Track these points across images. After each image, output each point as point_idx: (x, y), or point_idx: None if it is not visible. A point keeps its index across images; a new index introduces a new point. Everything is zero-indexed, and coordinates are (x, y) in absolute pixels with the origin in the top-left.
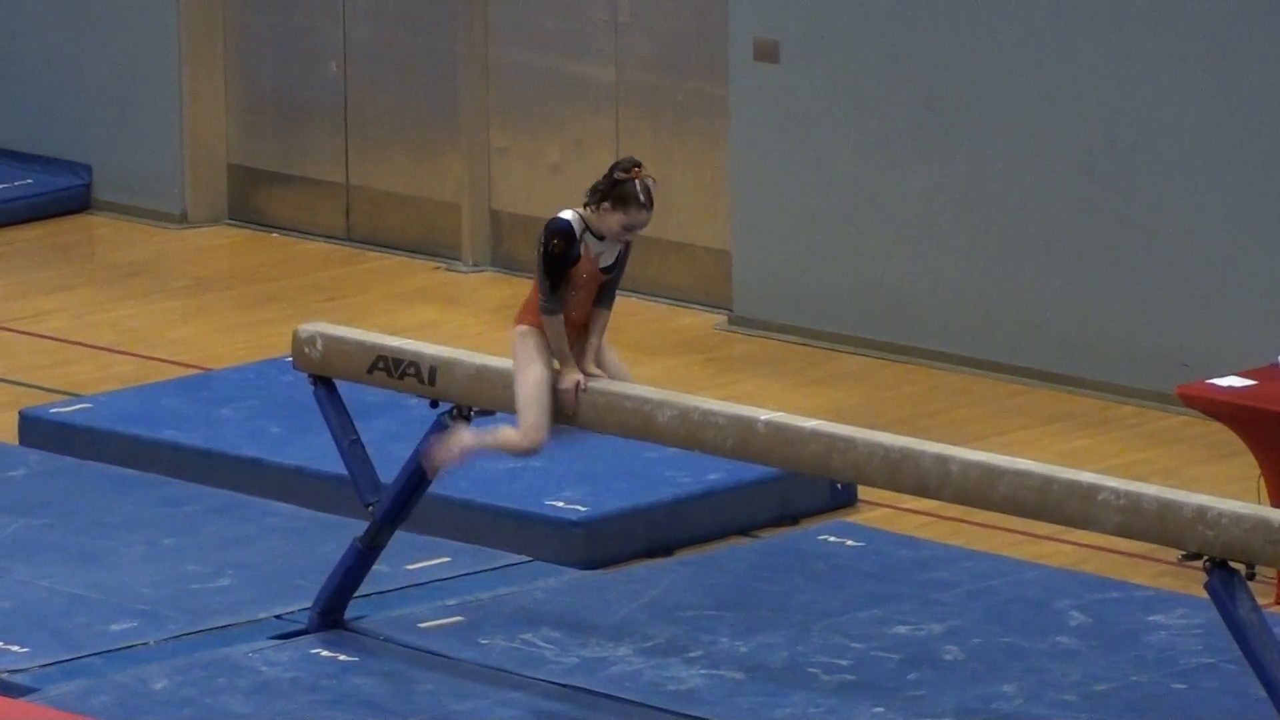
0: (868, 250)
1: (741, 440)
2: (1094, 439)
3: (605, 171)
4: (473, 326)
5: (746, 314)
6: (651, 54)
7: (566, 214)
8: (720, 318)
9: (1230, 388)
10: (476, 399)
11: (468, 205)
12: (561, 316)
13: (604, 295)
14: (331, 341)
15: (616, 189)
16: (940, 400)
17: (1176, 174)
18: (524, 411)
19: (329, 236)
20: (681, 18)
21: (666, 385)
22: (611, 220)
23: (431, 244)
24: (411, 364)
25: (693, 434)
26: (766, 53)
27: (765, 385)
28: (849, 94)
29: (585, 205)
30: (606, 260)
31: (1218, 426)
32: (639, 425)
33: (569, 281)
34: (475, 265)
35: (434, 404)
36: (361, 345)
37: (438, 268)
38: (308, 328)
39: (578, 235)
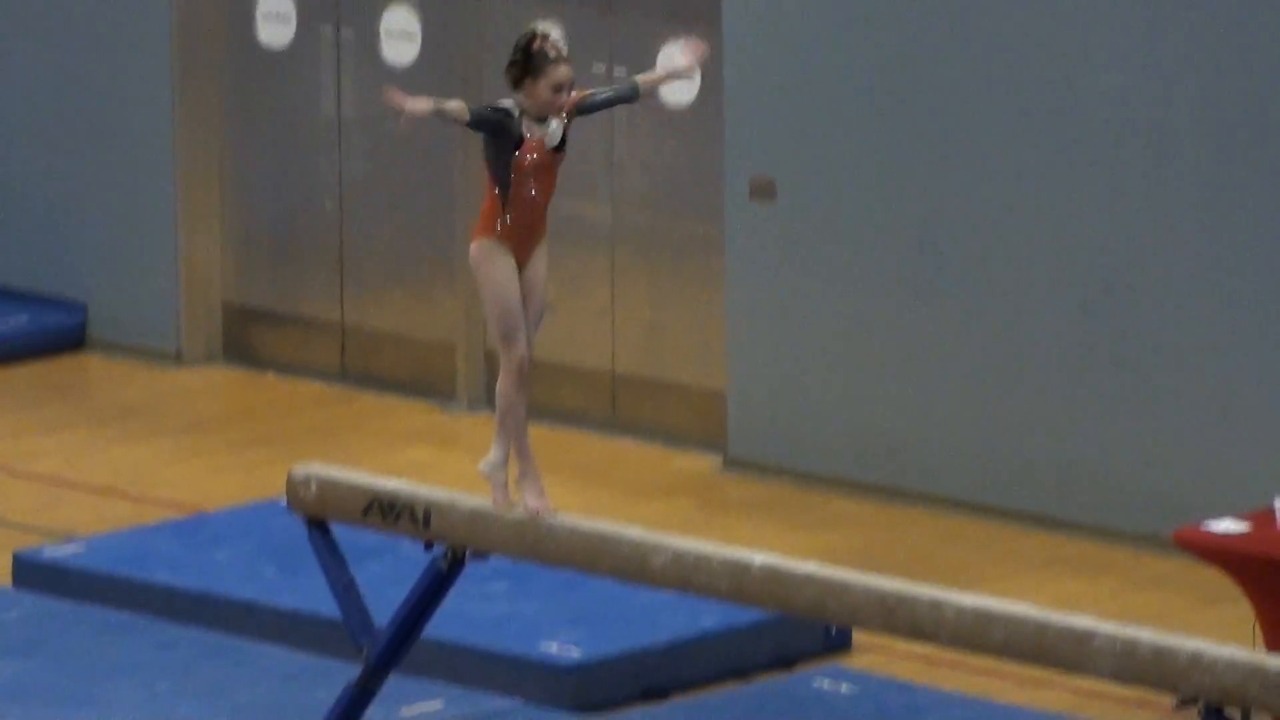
0: (864, 392)
1: (736, 583)
2: (1089, 583)
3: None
4: (468, 468)
5: (742, 456)
6: (647, 193)
7: (503, 100)
8: (715, 460)
9: (1226, 532)
10: (473, 541)
11: (463, 346)
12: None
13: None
14: (326, 483)
15: (528, 60)
16: (935, 544)
17: (1173, 316)
18: (496, 327)
19: (324, 376)
20: (677, 157)
21: (661, 528)
22: (538, 90)
23: (427, 385)
24: (406, 506)
25: (687, 577)
26: (762, 192)
27: (760, 528)
28: (845, 234)
29: (515, 93)
30: (553, 139)
31: (1213, 571)
32: (633, 568)
33: (521, 169)
34: (470, 406)
35: (429, 546)
36: (356, 487)
37: (433, 409)
38: (302, 469)
39: (514, 114)
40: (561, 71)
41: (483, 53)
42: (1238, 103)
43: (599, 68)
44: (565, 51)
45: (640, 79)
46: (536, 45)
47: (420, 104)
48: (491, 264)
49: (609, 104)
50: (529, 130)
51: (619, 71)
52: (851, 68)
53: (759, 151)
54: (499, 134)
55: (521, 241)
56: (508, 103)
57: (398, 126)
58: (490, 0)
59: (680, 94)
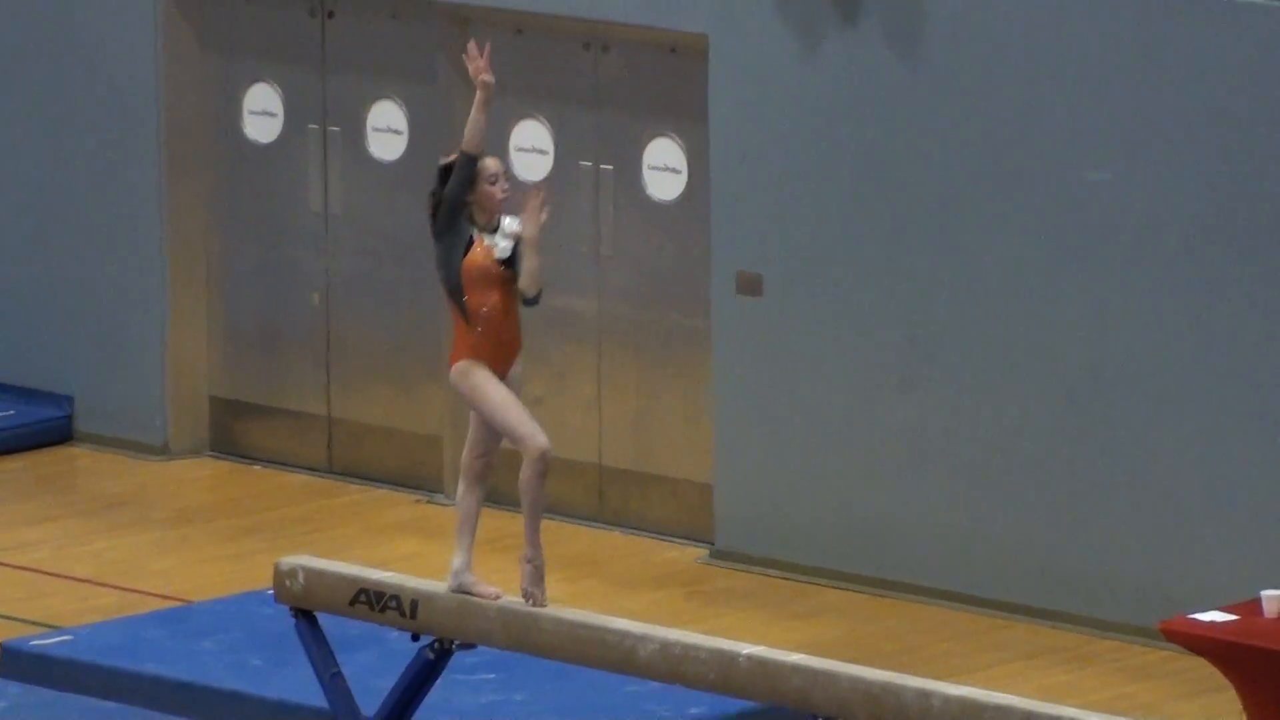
0: (850, 483)
1: (724, 674)
2: (1076, 674)
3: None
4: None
5: (729, 548)
6: (634, 287)
7: None
8: (702, 551)
9: (1213, 623)
10: (460, 632)
11: (449, 438)
12: None
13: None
14: (313, 574)
15: (461, 172)
16: (922, 634)
17: (1158, 406)
18: (512, 431)
19: (310, 469)
20: (664, 251)
21: (648, 619)
22: (480, 192)
23: (413, 476)
24: (393, 597)
25: (675, 668)
26: (749, 286)
27: (747, 619)
28: (832, 327)
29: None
30: (502, 251)
31: (1200, 662)
32: (621, 659)
33: (470, 275)
34: (456, 498)
35: (416, 637)
36: (343, 578)
37: (419, 500)
38: (289, 560)
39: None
40: (490, 163)
41: None
42: (1224, 198)
43: (586, 164)
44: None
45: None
46: (460, 156)
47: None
48: (472, 380)
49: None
50: (479, 238)
51: (605, 168)
52: (837, 163)
53: (745, 246)
54: (454, 221)
55: (497, 357)
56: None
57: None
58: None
59: (667, 189)
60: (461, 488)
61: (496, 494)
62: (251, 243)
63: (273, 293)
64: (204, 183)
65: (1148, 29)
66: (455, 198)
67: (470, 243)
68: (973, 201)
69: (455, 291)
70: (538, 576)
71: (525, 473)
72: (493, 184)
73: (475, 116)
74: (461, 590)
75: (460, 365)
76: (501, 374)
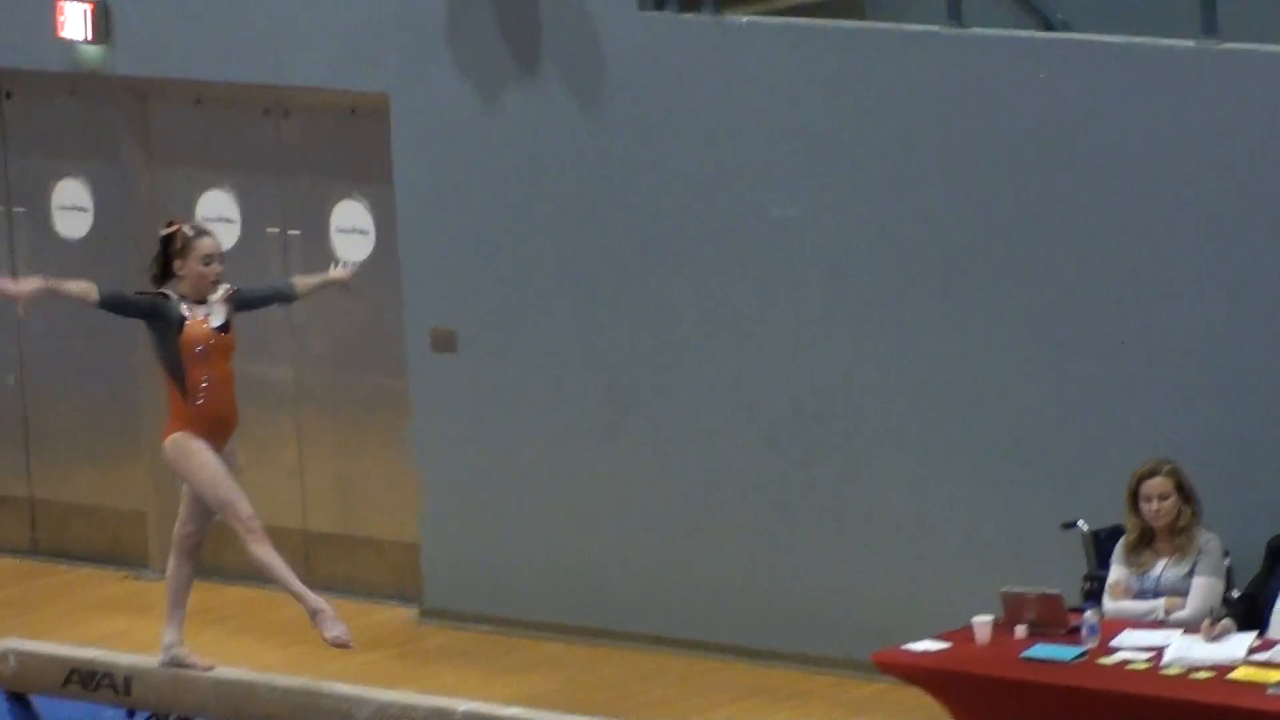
0: (557, 535)
1: None
2: (795, 711)
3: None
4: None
5: (439, 606)
6: (329, 351)
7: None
8: (413, 611)
9: (925, 652)
10: (174, 705)
11: (153, 513)
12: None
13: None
14: (24, 657)
15: (173, 247)
16: (639, 681)
17: (862, 441)
18: (222, 503)
19: (14, 551)
20: (357, 313)
21: (364, 682)
22: (189, 267)
23: (119, 554)
24: (106, 674)
25: None
26: (444, 343)
27: (463, 676)
28: (530, 380)
29: (166, 284)
30: (217, 319)
31: (916, 691)
32: None
33: (188, 351)
34: (164, 572)
35: (131, 713)
36: (55, 658)
37: (126, 577)
38: None
39: (172, 297)
40: (206, 243)
41: (156, 222)
42: (913, 230)
43: (273, 230)
44: (206, 228)
45: (297, 281)
46: (175, 230)
47: (30, 284)
48: (185, 452)
49: (267, 301)
50: (189, 312)
51: (293, 233)
52: (526, 215)
53: (438, 303)
54: (151, 316)
55: (212, 428)
56: (167, 290)
57: (16, 311)
58: (161, 170)
59: (354, 252)
60: (172, 562)
61: (205, 566)
62: None
63: None
64: None
65: (828, 62)
66: (139, 305)
67: (182, 321)
68: (663, 246)
69: (175, 370)
70: (331, 619)
71: (252, 549)
72: (207, 264)
73: (312, 284)
74: (175, 664)
75: (175, 437)
76: (218, 448)
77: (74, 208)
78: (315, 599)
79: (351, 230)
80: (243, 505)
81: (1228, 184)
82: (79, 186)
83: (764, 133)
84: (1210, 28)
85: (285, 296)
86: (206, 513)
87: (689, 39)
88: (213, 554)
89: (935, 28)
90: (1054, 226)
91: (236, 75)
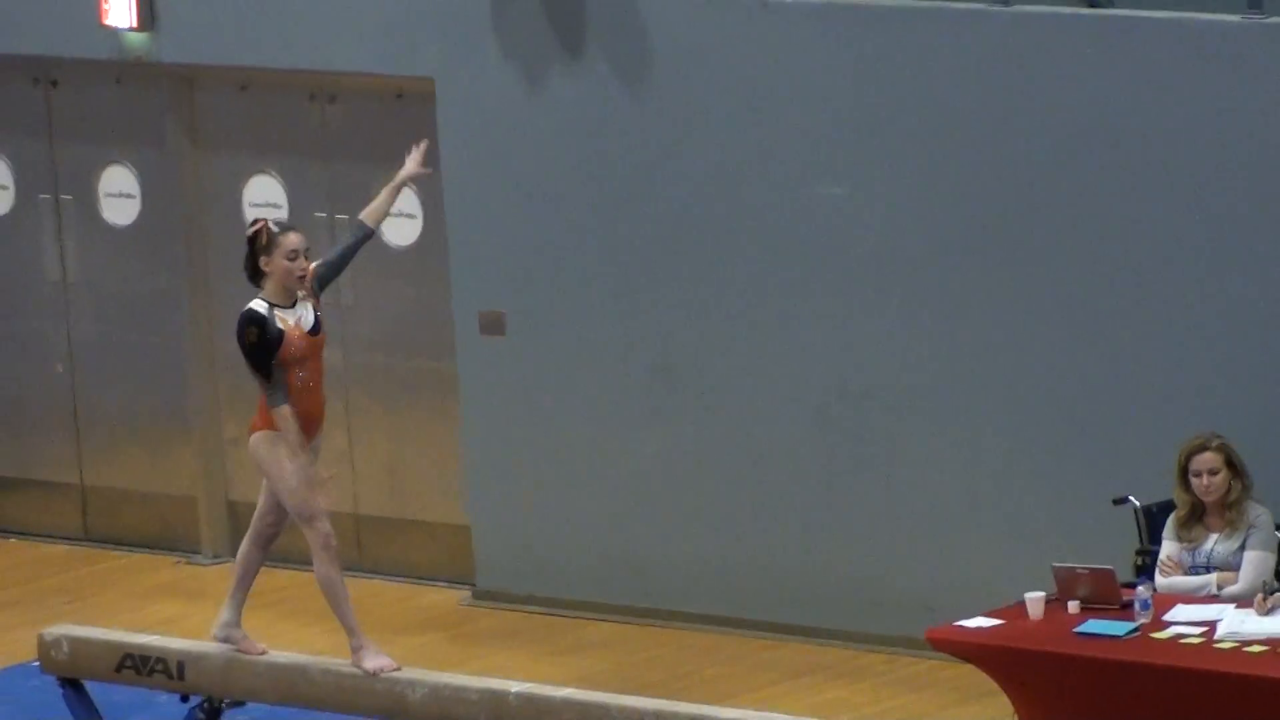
0: (606, 516)
1: (495, 713)
2: (846, 689)
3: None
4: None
5: (490, 588)
6: (378, 335)
7: (251, 304)
8: (464, 593)
9: (978, 628)
10: (227, 689)
11: (204, 497)
12: (287, 407)
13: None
14: (78, 643)
15: (258, 244)
16: (690, 661)
17: (909, 417)
18: (299, 514)
19: (67, 538)
20: (405, 297)
21: (416, 664)
22: (275, 264)
23: (170, 539)
24: (159, 659)
25: (446, 710)
26: (492, 325)
27: (514, 658)
28: (578, 360)
29: (258, 286)
30: (308, 322)
31: (969, 668)
32: (391, 705)
33: (286, 364)
34: (215, 557)
35: (185, 698)
36: (108, 644)
37: (178, 562)
38: (53, 630)
39: (267, 315)
40: (291, 238)
41: (203, 208)
42: (961, 206)
43: (320, 215)
44: (291, 224)
45: (366, 213)
46: (259, 227)
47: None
48: (276, 453)
49: (347, 260)
50: (282, 322)
51: (340, 217)
52: (572, 196)
53: (486, 286)
54: (267, 345)
55: (304, 428)
56: (254, 303)
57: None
58: (207, 156)
59: (404, 234)
60: (246, 545)
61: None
62: None
63: (16, 365)
64: None
65: (873, 40)
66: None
67: (280, 336)
68: (710, 225)
69: (273, 378)
70: (374, 650)
71: (318, 566)
72: (293, 260)
73: (384, 202)
74: (226, 642)
75: (265, 434)
76: (306, 444)
77: (121, 195)
78: (361, 636)
79: (398, 214)
80: (323, 523)
81: (1274, 158)
82: (126, 173)
83: (810, 111)
84: (1256, 2)
85: (362, 240)
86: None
87: (734, 19)
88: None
89: (981, 5)
90: (1100, 202)
91: (282, 61)
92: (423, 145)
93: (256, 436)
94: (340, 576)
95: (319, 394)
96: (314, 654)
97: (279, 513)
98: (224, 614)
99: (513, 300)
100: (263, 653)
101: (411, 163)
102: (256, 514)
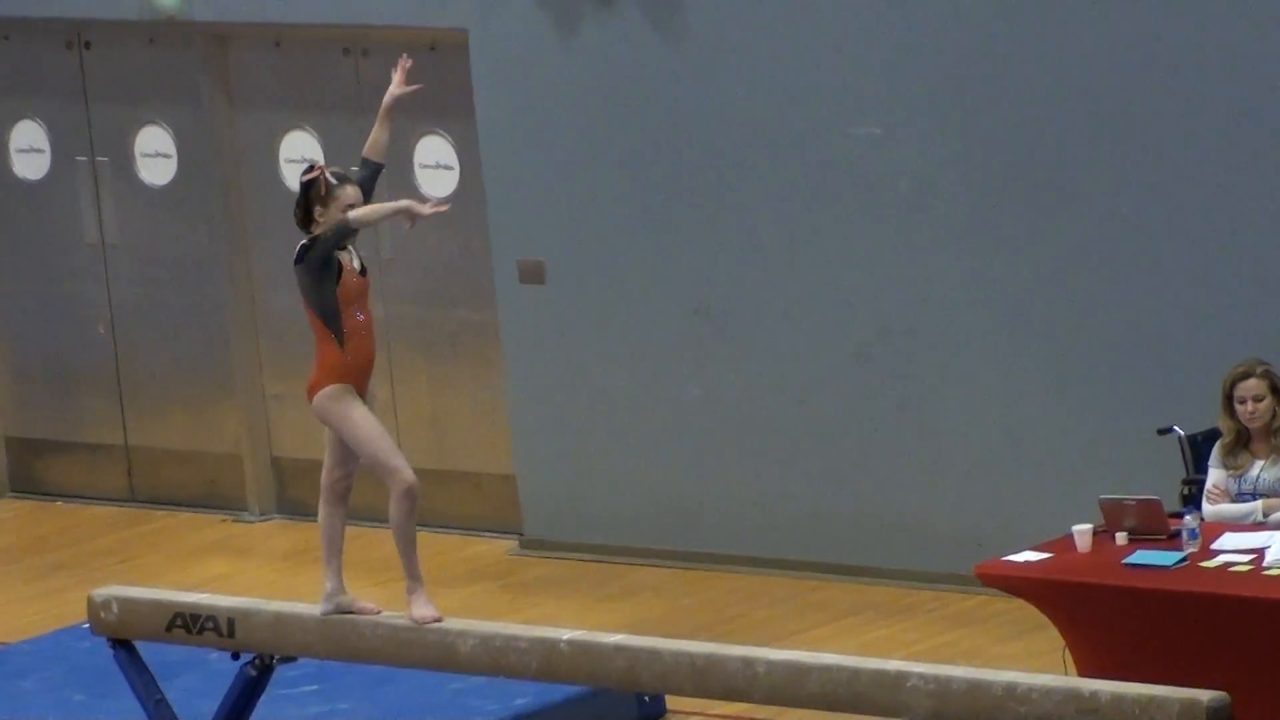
0: (651, 461)
1: (546, 662)
2: (896, 627)
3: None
4: (266, 575)
5: (537, 536)
6: (418, 287)
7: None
8: (512, 543)
9: (1027, 562)
10: (278, 646)
11: (249, 455)
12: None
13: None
14: (127, 603)
15: (314, 193)
16: (739, 604)
17: (951, 354)
18: (380, 464)
19: (113, 500)
20: (445, 248)
21: (464, 614)
22: (333, 216)
23: (216, 497)
24: (209, 618)
25: (496, 660)
26: (532, 274)
27: (563, 605)
28: (618, 307)
29: (306, 231)
30: (357, 264)
31: (1018, 603)
32: (441, 656)
33: (344, 302)
34: (262, 514)
35: (236, 656)
36: (158, 604)
37: (225, 520)
38: (102, 592)
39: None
40: (349, 192)
41: (239, 166)
42: (996, 144)
43: (354, 171)
44: (347, 174)
45: (366, 152)
46: (317, 175)
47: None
48: (344, 408)
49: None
50: (336, 259)
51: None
52: (608, 143)
53: (524, 235)
54: (329, 258)
55: (361, 374)
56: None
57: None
58: (243, 114)
59: (440, 186)
60: (323, 510)
61: (302, 506)
62: (31, 280)
63: (58, 328)
64: None
65: None
66: (342, 231)
67: (340, 267)
68: (745, 169)
69: (332, 317)
70: (424, 599)
71: (394, 511)
72: (352, 206)
73: (383, 132)
74: (340, 612)
75: (328, 390)
76: (363, 393)
77: (157, 155)
78: (418, 580)
79: (435, 165)
80: (405, 471)
81: None
82: (161, 133)
83: (843, 51)
84: None
85: (373, 177)
86: (353, 458)
87: None
88: (311, 493)
89: None
90: (1138, 134)
91: (315, 16)
92: (405, 63)
93: (321, 394)
94: (413, 520)
95: (372, 338)
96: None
97: (346, 466)
98: (326, 585)
99: (551, 248)
100: (378, 613)
101: (395, 84)
102: (324, 473)
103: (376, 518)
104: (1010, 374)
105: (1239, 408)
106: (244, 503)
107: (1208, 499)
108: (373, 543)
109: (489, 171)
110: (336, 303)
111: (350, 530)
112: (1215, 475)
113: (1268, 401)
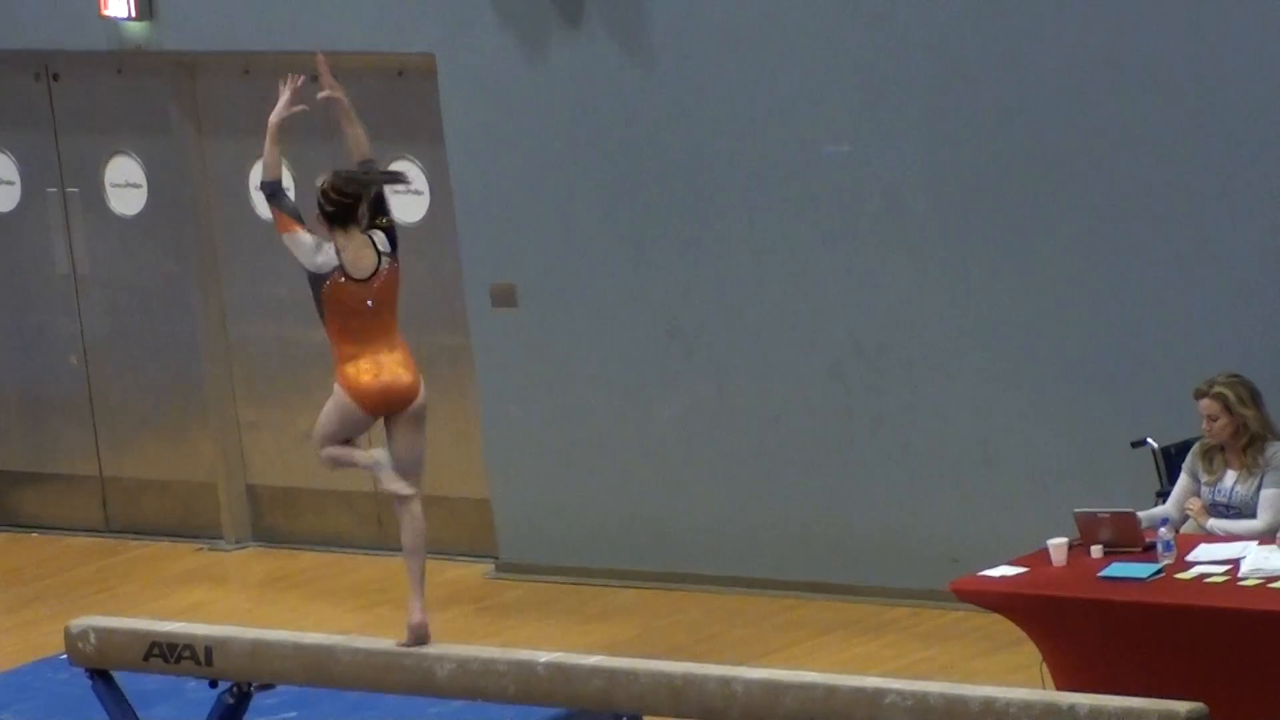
0: (626, 483)
1: (524, 684)
2: (873, 644)
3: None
4: (242, 603)
5: (513, 560)
6: None
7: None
8: (488, 566)
9: (1003, 577)
10: (256, 673)
11: (223, 483)
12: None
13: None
14: (104, 633)
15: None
16: (715, 624)
17: (925, 371)
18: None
19: (89, 530)
20: (416, 272)
21: (441, 639)
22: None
23: (192, 526)
24: (186, 647)
25: (474, 684)
26: (504, 298)
27: (541, 628)
28: (590, 329)
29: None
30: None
31: (995, 618)
32: (420, 681)
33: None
34: (238, 542)
35: (213, 683)
36: (135, 634)
37: (200, 549)
38: (79, 622)
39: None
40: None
41: (210, 195)
42: (965, 160)
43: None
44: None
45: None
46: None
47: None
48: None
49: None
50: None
51: None
52: (578, 166)
53: (496, 259)
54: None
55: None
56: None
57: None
58: (212, 142)
59: (412, 210)
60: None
61: (278, 533)
62: (2, 312)
63: (30, 359)
64: None
65: None
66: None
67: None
68: (717, 188)
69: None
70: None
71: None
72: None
73: (352, 131)
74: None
75: (335, 390)
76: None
77: (127, 185)
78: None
79: (407, 191)
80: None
81: None
82: (131, 163)
83: (812, 69)
84: None
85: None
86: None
87: None
88: (286, 520)
89: None
90: (1107, 146)
91: (282, 44)
92: (296, 82)
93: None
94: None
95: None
96: (341, 632)
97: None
98: (379, 453)
99: (523, 272)
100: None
101: (282, 104)
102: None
103: (356, 544)
104: (984, 389)
105: (1201, 424)
106: (219, 531)
107: (1189, 510)
108: (348, 568)
109: (459, 196)
110: (321, 307)
111: (326, 557)
112: (1184, 480)
113: (1222, 421)
